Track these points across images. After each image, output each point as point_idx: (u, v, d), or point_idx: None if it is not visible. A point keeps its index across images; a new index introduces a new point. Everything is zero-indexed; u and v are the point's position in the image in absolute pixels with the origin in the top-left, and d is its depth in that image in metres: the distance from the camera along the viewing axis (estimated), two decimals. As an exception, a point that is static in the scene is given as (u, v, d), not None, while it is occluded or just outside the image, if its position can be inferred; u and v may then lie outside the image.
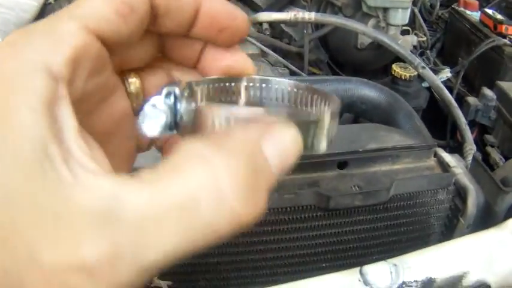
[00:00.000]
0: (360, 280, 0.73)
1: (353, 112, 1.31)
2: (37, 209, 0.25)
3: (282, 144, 0.31)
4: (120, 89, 0.40)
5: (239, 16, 0.39)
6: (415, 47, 1.80)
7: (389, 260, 0.75)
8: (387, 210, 0.87)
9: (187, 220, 0.27)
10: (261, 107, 0.36)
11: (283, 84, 0.41)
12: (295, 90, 0.42)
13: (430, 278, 0.76)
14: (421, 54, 1.88)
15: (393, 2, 1.59)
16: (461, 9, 1.92)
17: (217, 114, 0.33)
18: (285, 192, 0.81)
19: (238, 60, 0.41)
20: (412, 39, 1.70)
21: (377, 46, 1.67)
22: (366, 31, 1.37)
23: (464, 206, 0.89)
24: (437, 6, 2.01)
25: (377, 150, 0.90)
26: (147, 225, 0.26)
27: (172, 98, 0.35)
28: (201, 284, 0.88)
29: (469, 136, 1.23)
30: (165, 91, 0.35)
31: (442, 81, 1.40)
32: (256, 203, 0.29)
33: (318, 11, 1.75)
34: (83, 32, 0.31)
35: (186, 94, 0.36)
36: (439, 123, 1.57)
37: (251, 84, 0.42)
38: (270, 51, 1.51)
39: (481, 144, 1.46)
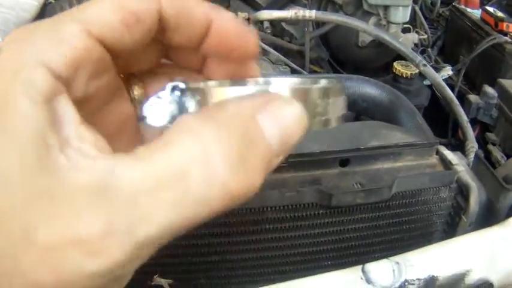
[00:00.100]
0: (362, 278, 0.72)
1: (354, 110, 1.31)
2: (32, 190, 0.26)
3: (283, 119, 0.30)
4: (124, 93, 0.40)
5: (251, 38, 0.38)
6: (416, 45, 1.80)
7: (392, 258, 0.75)
8: (389, 208, 0.87)
9: (178, 194, 0.27)
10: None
11: (285, 82, 0.40)
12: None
13: (433, 276, 0.76)
14: (422, 52, 1.87)
15: (394, 0, 1.59)
16: (462, 6, 1.92)
17: (222, 94, 0.33)
18: (286, 190, 0.81)
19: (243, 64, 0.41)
20: (413, 37, 1.70)
21: (378, 44, 1.67)
22: (367, 29, 1.37)
23: (467, 204, 0.88)
24: (438, 4, 2.00)
25: (379, 147, 0.90)
26: (140, 199, 0.26)
27: (177, 92, 0.35)
28: (202, 282, 0.88)
29: (470, 134, 1.22)
30: (170, 85, 0.35)
31: (443, 79, 1.39)
32: (248, 177, 0.29)
33: (318, 9, 1.75)
34: (85, 35, 0.32)
35: (191, 87, 0.36)
36: (440, 121, 1.56)
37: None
38: (271, 50, 1.51)
39: (482, 142, 1.45)
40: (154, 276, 0.82)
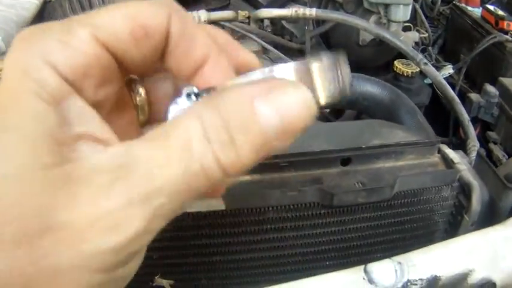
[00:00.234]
0: (364, 278, 0.72)
1: (356, 109, 1.31)
2: (47, 179, 0.28)
3: (283, 104, 0.31)
4: (126, 99, 0.40)
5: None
6: (416, 43, 1.79)
7: (394, 258, 0.75)
8: (391, 207, 0.87)
9: (184, 166, 0.29)
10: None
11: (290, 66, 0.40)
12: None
13: (435, 275, 0.76)
14: (423, 51, 1.87)
15: (395, -2, 1.59)
16: (463, 5, 1.91)
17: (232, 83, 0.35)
18: (287, 189, 0.80)
19: (245, 58, 0.41)
20: (413, 35, 1.70)
21: (379, 43, 1.67)
22: (367, 27, 1.37)
23: (469, 203, 0.88)
24: (439, 2, 2.00)
25: (380, 146, 0.89)
26: (154, 173, 0.29)
27: (193, 97, 0.36)
28: (203, 282, 0.88)
29: (472, 133, 1.22)
30: (185, 91, 0.36)
31: (444, 78, 1.39)
32: (238, 156, 0.30)
33: (319, 7, 1.74)
34: (93, 41, 0.33)
35: (204, 89, 0.36)
36: (441, 119, 1.56)
37: None
38: (271, 48, 1.50)
39: (483, 141, 1.45)
40: (156, 277, 0.82)
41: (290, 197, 0.80)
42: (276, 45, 1.57)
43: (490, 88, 1.42)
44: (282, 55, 1.49)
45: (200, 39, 0.37)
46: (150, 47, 0.35)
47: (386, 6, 1.61)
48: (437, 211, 0.92)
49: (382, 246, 0.91)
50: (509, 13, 1.70)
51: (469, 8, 1.87)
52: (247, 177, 0.83)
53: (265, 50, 1.55)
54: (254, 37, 1.50)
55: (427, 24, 1.88)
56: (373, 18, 1.66)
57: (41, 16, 1.47)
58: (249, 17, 1.48)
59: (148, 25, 0.34)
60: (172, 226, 0.78)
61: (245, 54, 0.41)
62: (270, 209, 0.81)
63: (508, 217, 0.87)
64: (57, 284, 0.28)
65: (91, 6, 1.53)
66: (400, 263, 0.74)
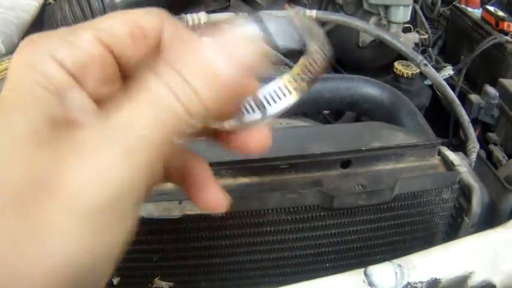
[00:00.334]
0: (364, 281, 0.72)
1: (355, 110, 1.31)
2: (45, 150, 0.30)
3: (228, 44, 0.34)
4: None
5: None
6: (416, 44, 1.80)
7: (394, 261, 0.75)
8: (391, 209, 0.87)
9: (155, 118, 0.32)
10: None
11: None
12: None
13: (435, 278, 0.75)
14: (423, 52, 1.87)
15: (394, 0, 1.59)
16: (463, 6, 1.91)
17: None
18: (287, 192, 0.80)
19: None
20: (413, 36, 1.70)
21: (379, 44, 1.67)
22: (368, 29, 1.37)
23: (469, 205, 0.88)
24: (439, 3, 2.00)
25: (380, 149, 0.89)
26: (134, 129, 0.31)
27: None
28: (202, 285, 0.88)
29: (472, 134, 1.22)
30: None
31: (444, 79, 1.39)
32: (202, 101, 0.33)
33: (319, 8, 1.74)
34: (96, 41, 0.36)
35: None
36: (441, 121, 1.56)
37: None
38: (271, 50, 1.50)
39: (483, 142, 1.45)
40: (155, 279, 0.82)
41: (290, 200, 0.80)
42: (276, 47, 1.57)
43: (490, 89, 1.42)
44: (282, 57, 1.49)
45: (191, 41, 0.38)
46: (147, 47, 0.38)
47: (386, 7, 1.62)
48: (437, 213, 0.92)
49: (382, 249, 0.91)
50: (509, 14, 1.70)
51: (469, 9, 1.87)
52: (247, 180, 0.83)
53: (265, 52, 1.55)
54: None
55: (427, 26, 1.88)
56: (373, 19, 1.66)
57: (40, 18, 1.47)
58: (249, 19, 1.48)
59: (146, 27, 0.38)
60: (172, 228, 0.78)
61: None
62: (270, 211, 0.80)
63: (508, 219, 0.87)
64: (52, 241, 0.28)
65: (91, 9, 1.53)
66: (400, 265, 0.74)
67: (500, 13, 1.68)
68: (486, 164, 0.95)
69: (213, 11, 1.62)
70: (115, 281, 0.78)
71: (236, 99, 0.36)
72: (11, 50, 1.18)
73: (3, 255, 0.27)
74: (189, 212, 0.76)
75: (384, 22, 1.64)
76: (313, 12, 1.36)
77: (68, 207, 0.29)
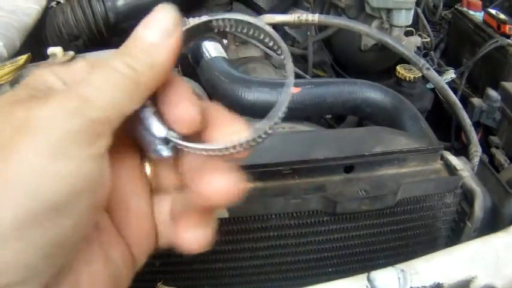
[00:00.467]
0: (367, 286, 0.72)
1: (358, 115, 1.31)
2: (28, 103, 0.34)
3: (153, 19, 0.39)
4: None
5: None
6: (418, 48, 1.80)
7: (397, 266, 0.75)
8: (394, 214, 0.87)
9: (110, 81, 0.36)
10: None
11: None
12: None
13: (438, 283, 0.76)
14: (425, 55, 1.87)
15: (396, 3, 1.59)
16: (465, 9, 1.91)
17: None
18: (290, 197, 0.80)
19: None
20: (416, 40, 1.70)
21: (381, 48, 1.67)
22: (370, 33, 1.37)
23: (471, 210, 0.88)
24: (441, 7, 2.00)
25: (383, 153, 0.89)
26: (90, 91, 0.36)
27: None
28: (205, 289, 0.88)
29: (474, 138, 1.22)
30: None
31: (446, 82, 1.39)
32: (139, 60, 0.38)
33: (321, 12, 1.75)
34: None
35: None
36: (443, 124, 1.56)
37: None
38: (274, 54, 1.50)
39: (485, 145, 1.45)
40: (158, 284, 0.82)
41: (293, 205, 0.80)
42: (278, 51, 1.57)
43: (492, 92, 1.42)
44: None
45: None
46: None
47: (389, 11, 1.62)
48: (440, 218, 0.92)
49: (385, 253, 0.91)
50: (511, 17, 1.71)
51: (471, 12, 1.87)
52: (251, 185, 0.84)
53: (267, 56, 1.55)
54: (256, 43, 1.50)
55: (429, 29, 1.88)
56: (375, 23, 1.67)
57: (42, 22, 1.47)
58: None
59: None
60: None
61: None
62: (273, 216, 0.81)
63: (510, 224, 0.87)
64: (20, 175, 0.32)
65: (93, 12, 1.53)
66: (403, 270, 0.74)
67: (502, 16, 1.68)
68: (488, 168, 0.95)
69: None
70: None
71: (166, 61, 0.39)
72: (12, 54, 1.18)
73: None
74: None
75: (386, 26, 1.64)
76: (316, 17, 1.36)
77: (34, 144, 0.32)
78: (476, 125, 1.41)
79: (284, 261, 0.86)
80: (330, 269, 0.89)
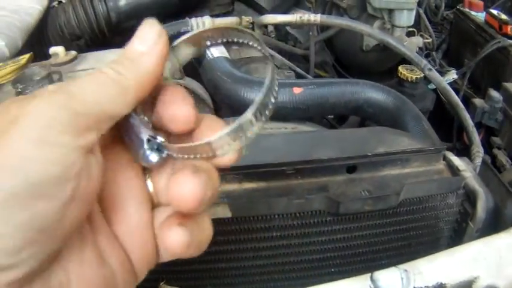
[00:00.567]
0: (371, 286, 0.72)
1: (360, 115, 1.31)
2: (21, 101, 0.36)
3: (139, 33, 0.42)
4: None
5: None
6: (420, 48, 1.80)
7: (400, 266, 0.75)
8: (396, 214, 0.87)
9: (96, 81, 0.39)
10: None
11: None
12: None
13: (441, 283, 0.75)
14: (427, 56, 1.87)
15: (398, 3, 1.59)
16: (466, 9, 1.91)
17: None
18: (294, 197, 0.80)
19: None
20: (417, 40, 1.70)
21: (382, 48, 1.67)
22: (372, 33, 1.37)
23: (474, 210, 0.88)
24: (442, 7, 2.00)
25: (386, 154, 0.89)
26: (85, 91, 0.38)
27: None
28: (208, 289, 0.88)
29: (476, 138, 1.22)
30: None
31: (448, 83, 1.39)
32: (127, 67, 0.41)
33: (323, 12, 1.75)
34: None
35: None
36: (444, 125, 1.56)
37: None
38: (276, 54, 1.50)
39: (487, 146, 1.45)
40: (161, 283, 0.82)
41: (296, 205, 0.80)
42: (280, 51, 1.57)
43: (494, 93, 1.42)
44: (286, 61, 1.50)
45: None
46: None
47: (390, 11, 1.62)
48: (442, 218, 0.92)
49: (388, 253, 0.91)
50: (512, 18, 1.71)
51: (473, 13, 1.87)
52: (253, 185, 0.84)
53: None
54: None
55: (431, 29, 1.88)
56: (377, 23, 1.67)
57: (44, 22, 1.47)
58: (253, 23, 1.48)
59: None
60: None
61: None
62: (276, 216, 0.81)
63: (512, 224, 0.87)
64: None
65: (95, 12, 1.53)
66: (406, 270, 0.74)
67: (504, 17, 1.68)
68: (491, 169, 0.95)
69: (217, 15, 1.63)
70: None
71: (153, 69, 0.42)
72: (14, 53, 1.18)
73: None
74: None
75: (388, 26, 1.64)
76: (318, 17, 1.36)
77: (23, 132, 0.34)
78: (478, 125, 1.41)
79: (287, 261, 0.87)
80: (332, 269, 0.89)
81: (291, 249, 0.85)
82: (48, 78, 0.98)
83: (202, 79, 1.29)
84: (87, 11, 1.53)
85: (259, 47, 0.44)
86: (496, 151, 1.42)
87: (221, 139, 0.40)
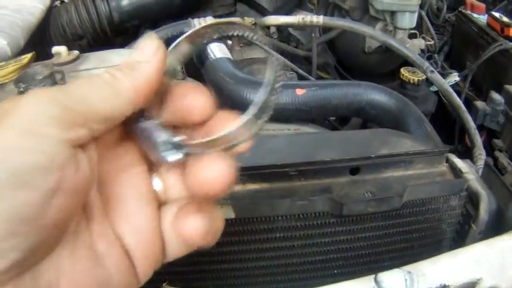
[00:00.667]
0: (374, 288, 0.72)
1: (362, 117, 1.31)
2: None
3: (139, 45, 0.43)
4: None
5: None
6: (422, 50, 1.80)
7: (404, 268, 0.75)
8: (399, 216, 0.87)
9: (90, 81, 0.40)
10: None
11: None
12: None
13: (444, 285, 0.75)
14: (429, 58, 1.87)
15: (401, 5, 1.59)
16: (468, 12, 1.91)
17: None
18: (297, 198, 0.80)
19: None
20: (419, 42, 1.70)
21: (385, 50, 1.67)
22: (374, 35, 1.37)
23: (476, 212, 0.88)
24: (444, 9, 2.00)
25: (389, 156, 0.89)
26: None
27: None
28: (210, 290, 0.88)
29: (478, 141, 1.22)
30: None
31: (450, 85, 1.39)
32: (124, 72, 0.41)
33: (325, 14, 1.75)
34: None
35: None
36: (446, 127, 1.56)
37: None
38: (278, 55, 1.50)
39: (489, 148, 1.45)
40: (163, 284, 0.82)
41: (299, 206, 0.80)
42: (282, 53, 1.57)
43: (496, 96, 1.42)
44: (288, 62, 1.50)
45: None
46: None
47: (393, 13, 1.62)
48: (445, 220, 0.92)
49: (390, 255, 0.91)
50: (514, 20, 1.71)
51: (475, 15, 1.87)
52: (256, 186, 0.84)
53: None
54: (260, 44, 1.50)
55: (433, 32, 1.89)
56: (379, 25, 1.67)
57: (46, 21, 1.47)
58: (255, 24, 1.48)
59: None
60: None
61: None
62: (280, 217, 0.81)
63: (515, 226, 0.87)
64: None
65: (97, 12, 1.53)
66: (410, 272, 0.74)
67: (506, 19, 1.68)
68: (493, 171, 0.96)
69: (220, 16, 1.63)
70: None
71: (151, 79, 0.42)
72: (16, 53, 1.18)
73: None
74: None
75: (390, 28, 1.64)
76: (320, 18, 1.36)
77: (11, 123, 0.35)
78: (480, 128, 1.41)
79: (290, 263, 0.86)
80: (335, 271, 0.89)
81: (294, 251, 0.85)
82: (51, 78, 0.98)
83: (205, 80, 1.29)
84: (89, 11, 1.53)
85: (254, 36, 0.46)
86: (497, 153, 1.43)
87: (239, 129, 0.41)
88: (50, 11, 1.48)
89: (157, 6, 1.57)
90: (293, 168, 0.84)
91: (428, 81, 1.46)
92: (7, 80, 1.02)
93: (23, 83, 0.95)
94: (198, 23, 1.37)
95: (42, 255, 0.37)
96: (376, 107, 1.21)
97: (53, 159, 0.35)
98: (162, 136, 0.41)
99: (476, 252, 0.80)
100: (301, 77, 1.49)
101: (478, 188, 0.89)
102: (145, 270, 0.44)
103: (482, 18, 1.83)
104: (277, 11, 1.71)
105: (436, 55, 1.90)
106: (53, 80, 0.97)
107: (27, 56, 1.09)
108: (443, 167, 0.94)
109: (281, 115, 1.18)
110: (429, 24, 1.89)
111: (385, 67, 1.83)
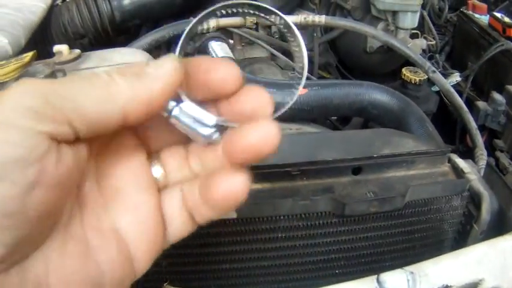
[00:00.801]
0: (377, 288, 0.72)
1: (364, 116, 1.31)
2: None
3: (158, 61, 0.41)
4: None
5: None
6: (424, 50, 1.80)
7: (406, 268, 0.75)
8: (401, 216, 0.86)
9: (99, 92, 0.38)
10: None
11: None
12: None
13: (447, 285, 0.75)
14: (430, 58, 1.87)
15: (402, 5, 1.59)
16: (470, 12, 1.91)
17: None
18: (299, 198, 0.80)
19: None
20: (421, 42, 1.70)
21: (386, 50, 1.67)
22: (376, 35, 1.37)
23: (478, 213, 0.88)
24: (446, 10, 2.00)
25: (392, 155, 0.89)
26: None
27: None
28: (212, 290, 0.88)
29: (479, 141, 1.22)
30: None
31: (451, 86, 1.39)
32: (126, 77, 0.40)
33: (327, 14, 1.75)
34: None
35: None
36: (447, 127, 1.56)
37: None
38: (280, 55, 1.50)
39: (490, 149, 1.45)
40: (165, 284, 0.82)
41: (302, 206, 0.80)
42: (284, 52, 1.57)
43: (497, 96, 1.42)
44: (290, 62, 1.49)
45: None
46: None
47: (394, 13, 1.62)
48: (447, 220, 0.92)
49: (392, 255, 0.91)
50: (516, 21, 1.70)
51: (477, 16, 1.86)
52: (258, 186, 0.83)
53: (273, 57, 1.55)
54: (262, 43, 1.50)
55: (434, 32, 1.88)
56: (380, 25, 1.67)
57: (48, 20, 1.47)
58: (257, 23, 1.48)
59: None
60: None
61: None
62: (282, 217, 0.80)
63: (517, 226, 0.87)
64: None
65: (99, 11, 1.53)
66: (412, 272, 0.74)
67: (507, 20, 1.68)
68: (495, 172, 0.95)
69: (222, 15, 1.63)
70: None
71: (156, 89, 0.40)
72: (17, 51, 1.18)
73: None
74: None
75: (392, 28, 1.64)
76: (322, 18, 1.36)
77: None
78: (481, 128, 1.41)
79: (292, 263, 0.86)
80: (337, 271, 0.89)
81: (296, 251, 0.85)
82: (52, 76, 0.98)
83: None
84: (91, 10, 1.53)
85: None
86: (498, 154, 1.42)
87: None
88: (52, 10, 1.48)
89: (158, 5, 1.57)
90: (295, 168, 0.84)
91: (430, 81, 1.46)
92: (8, 79, 1.02)
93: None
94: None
95: (29, 250, 0.37)
96: (378, 107, 1.21)
97: (30, 152, 0.34)
98: (208, 116, 0.42)
99: (478, 252, 0.80)
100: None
101: (480, 188, 0.88)
102: (144, 261, 0.44)
103: (483, 19, 1.83)
104: (279, 11, 1.71)
105: (437, 55, 1.90)
106: (55, 78, 0.97)
107: (29, 55, 1.08)
108: (446, 167, 0.94)
109: (283, 114, 1.18)
110: (431, 24, 1.89)
111: (387, 67, 1.83)
